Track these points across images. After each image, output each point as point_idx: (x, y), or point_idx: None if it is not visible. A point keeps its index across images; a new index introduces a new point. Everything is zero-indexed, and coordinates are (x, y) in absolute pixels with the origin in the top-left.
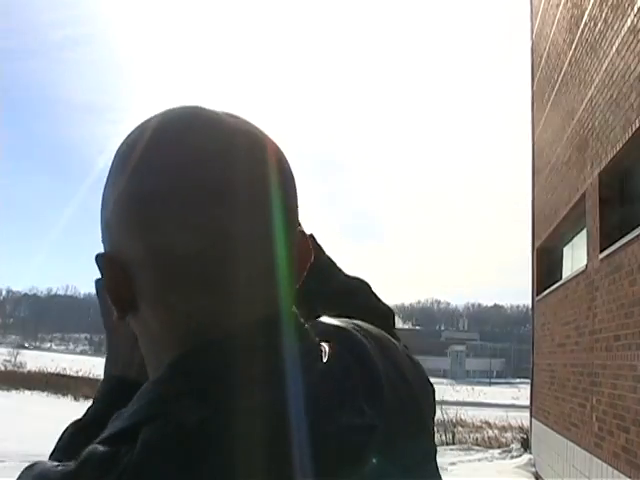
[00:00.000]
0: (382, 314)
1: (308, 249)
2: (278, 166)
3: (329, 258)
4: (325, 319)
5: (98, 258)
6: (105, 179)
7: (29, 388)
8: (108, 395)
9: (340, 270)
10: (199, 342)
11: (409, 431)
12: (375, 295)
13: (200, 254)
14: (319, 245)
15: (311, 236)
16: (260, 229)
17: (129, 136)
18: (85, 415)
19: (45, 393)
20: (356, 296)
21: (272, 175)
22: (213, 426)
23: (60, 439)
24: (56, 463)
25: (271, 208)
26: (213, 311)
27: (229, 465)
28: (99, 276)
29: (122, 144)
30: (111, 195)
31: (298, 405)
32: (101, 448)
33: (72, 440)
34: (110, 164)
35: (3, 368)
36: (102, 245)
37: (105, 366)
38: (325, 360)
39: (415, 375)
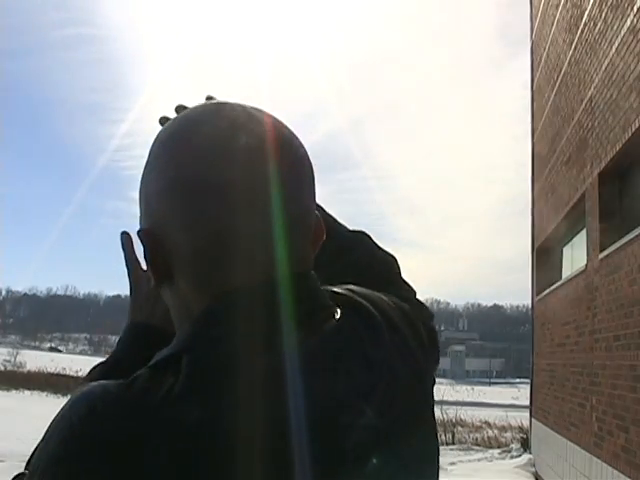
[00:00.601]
0: (386, 262)
1: (321, 230)
2: (292, 159)
3: (330, 216)
4: (337, 288)
5: (140, 233)
6: (146, 163)
7: (29, 388)
8: (133, 339)
9: (342, 225)
10: (223, 297)
11: (408, 424)
12: (377, 245)
13: (220, 233)
14: (320, 206)
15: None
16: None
17: (170, 125)
18: (108, 358)
19: (45, 393)
20: (359, 248)
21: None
22: (237, 361)
23: (87, 376)
24: (107, 381)
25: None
26: (232, 274)
27: (238, 393)
28: (124, 229)
29: (163, 132)
30: (154, 178)
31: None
32: (148, 371)
33: (102, 377)
34: (152, 149)
35: (3, 368)
36: (141, 222)
37: (129, 316)
38: (336, 319)
39: (411, 332)
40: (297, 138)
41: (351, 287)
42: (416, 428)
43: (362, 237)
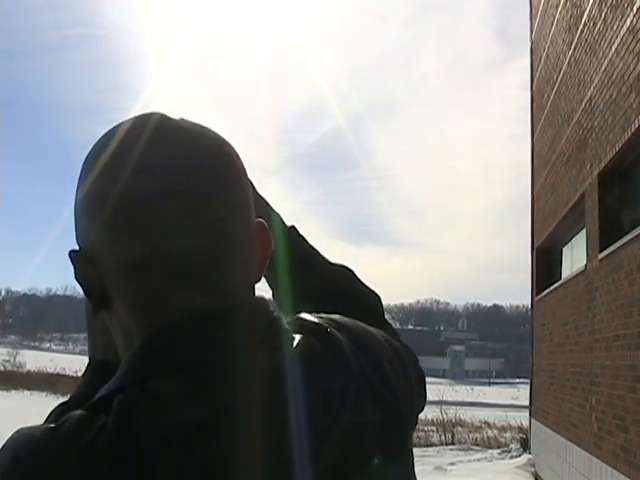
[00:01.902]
0: (366, 299)
1: (267, 239)
2: (236, 164)
3: (311, 247)
4: (304, 315)
5: (71, 254)
6: (78, 180)
7: (28, 388)
8: (91, 376)
9: (324, 258)
10: (163, 326)
11: (377, 469)
12: (359, 280)
13: (151, 251)
14: (301, 236)
15: (292, 227)
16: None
17: (101, 140)
18: (71, 397)
19: (44, 393)
20: (338, 284)
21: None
22: (171, 393)
23: (47, 419)
24: (37, 425)
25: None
26: (171, 301)
27: (169, 438)
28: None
29: (94, 147)
30: (84, 195)
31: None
32: (80, 412)
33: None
34: (82, 166)
35: (2, 368)
36: (76, 242)
37: (88, 352)
38: (294, 347)
39: (400, 369)
40: (222, 143)
41: (334, 317)
42: (387, 475)
43: (344, 271)
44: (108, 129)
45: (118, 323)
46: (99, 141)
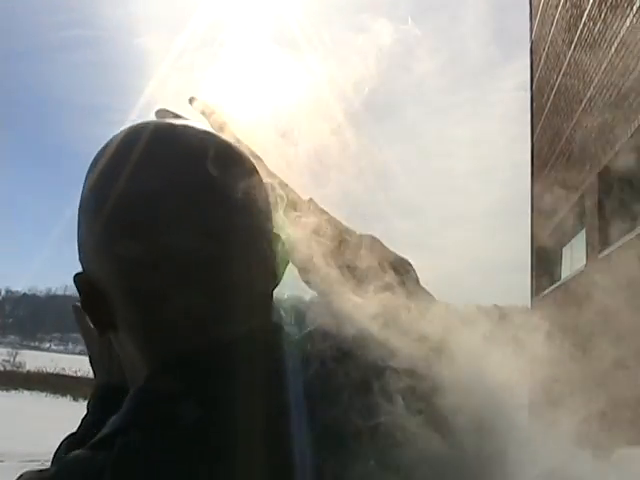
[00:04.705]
0: None
1: (285, 253)
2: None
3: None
4: (315, 334)
5: (75, 278)
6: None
7: (28, 388)
8: (97, 405)
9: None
10: (167, 360)
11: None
12: None
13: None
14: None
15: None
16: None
17: (99, 153)
18: (79, 427)
19: (44, 393)
20: None
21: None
22: (173, 438)
23: (56, 452)
24: (41, 468)
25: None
26: (178, 331)
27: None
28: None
29: (92, 162)
30: (84, 220)
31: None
32: (81, 452)
33: (66, 452)
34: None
35: (2, 368)
36: (80, 264)
37: (94, 378)
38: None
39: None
40: (225, 146)
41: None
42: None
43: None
44: (104, 143)
45: (123, 350)
46: (98, 155)
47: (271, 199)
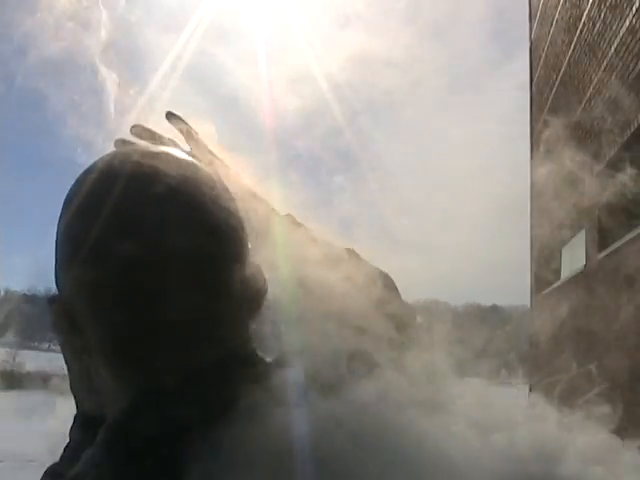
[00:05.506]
0: None
1: (263, 283)
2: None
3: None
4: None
5: (49, 302)
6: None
7: (28, 388)
8: (76, 432)
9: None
10: (139, 398)
11: None
12: None
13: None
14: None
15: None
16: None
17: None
18: (61, 456)
19: (44, 393)
20: None
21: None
22: (147, 477)
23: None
24: None
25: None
26: (153, 359)
27: None
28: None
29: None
30: (57, 243)
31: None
32: None
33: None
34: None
35: (2, 368)
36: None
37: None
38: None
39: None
40: (194, 168)
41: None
42: None
43: None
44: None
45: (99, 376)
46: (72, 193)
47: (246, 224)
